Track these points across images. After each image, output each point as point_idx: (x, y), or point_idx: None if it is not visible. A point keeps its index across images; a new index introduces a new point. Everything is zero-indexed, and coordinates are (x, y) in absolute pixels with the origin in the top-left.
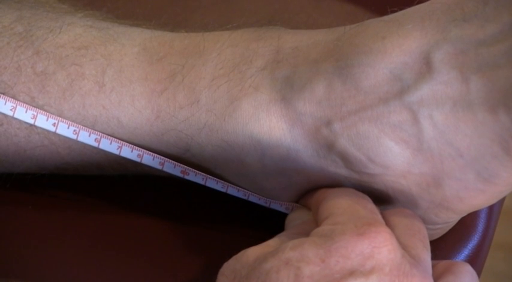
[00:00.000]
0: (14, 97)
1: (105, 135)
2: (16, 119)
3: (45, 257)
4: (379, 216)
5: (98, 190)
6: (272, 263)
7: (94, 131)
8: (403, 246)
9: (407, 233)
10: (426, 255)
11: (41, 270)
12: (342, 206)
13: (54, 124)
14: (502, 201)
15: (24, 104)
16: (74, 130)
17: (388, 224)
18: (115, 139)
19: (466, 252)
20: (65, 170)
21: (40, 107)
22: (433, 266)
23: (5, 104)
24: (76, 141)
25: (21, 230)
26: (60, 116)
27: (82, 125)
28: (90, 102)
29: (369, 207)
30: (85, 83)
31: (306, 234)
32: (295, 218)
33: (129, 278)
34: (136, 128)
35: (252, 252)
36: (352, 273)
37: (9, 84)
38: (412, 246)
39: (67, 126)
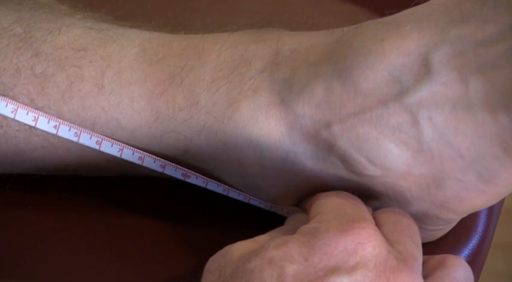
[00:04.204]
0: (13, 99)
1: (106, 138)
2: (16, 121)
3: (45, 257)
4: (368, 215)
5: (97, 190)
6: (256, 262)
7: (95, 134)
8: (391, 242)
9: (395, 229)
10: (415, 250)
11: (41, 270)
12: (330, 205)
13: (55, 126)
14: (502, 201)
15: (26, 106)
16: (75, 132)
17: (377, 222)
18: (116, 141)
19: (466, 252)
20: (65, 170)
21: (39, 109)
22: (427, 261)
23: (6, 106)
24: (76, 143)
25: (21, 230)
26: (59, 118)
27: (82, 127)
28: (90, 104)
29: (357, 206)
30: (84, 84)
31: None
32: (293, 220)
33: (128, 278)
34: (135, 129)
35: (237, 249)
36: (335, 270)
37: (9, 86)
38: (399, 242)
39: (68, 128)
